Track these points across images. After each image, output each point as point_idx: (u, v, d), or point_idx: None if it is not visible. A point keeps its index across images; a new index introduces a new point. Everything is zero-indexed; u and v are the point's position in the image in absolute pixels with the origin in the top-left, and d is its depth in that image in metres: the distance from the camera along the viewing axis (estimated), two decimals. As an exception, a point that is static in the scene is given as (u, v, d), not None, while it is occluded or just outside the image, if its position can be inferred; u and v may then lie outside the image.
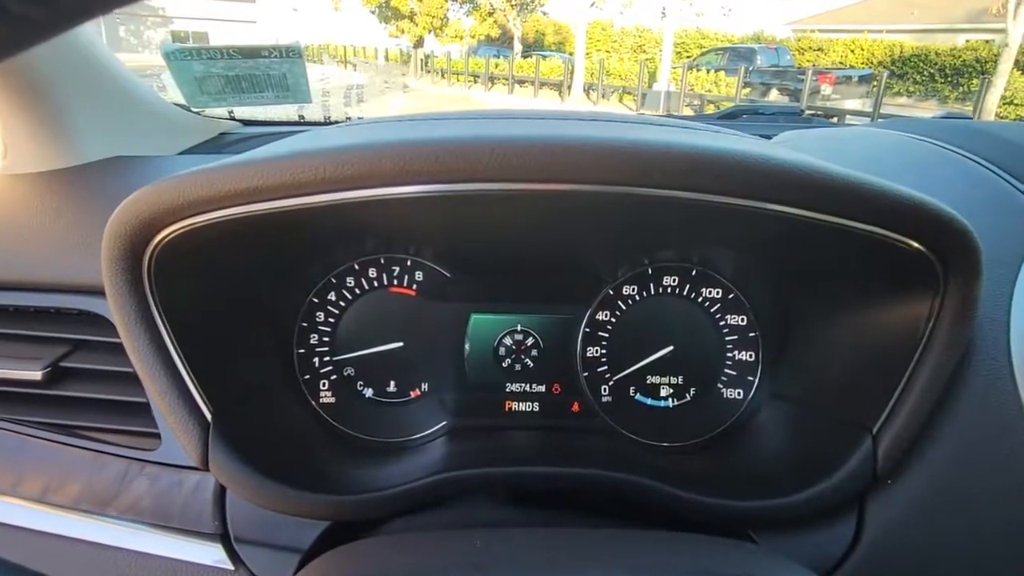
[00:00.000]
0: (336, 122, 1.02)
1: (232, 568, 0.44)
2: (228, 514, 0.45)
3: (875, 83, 10.61)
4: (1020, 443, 0.42)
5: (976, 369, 0.44)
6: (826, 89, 11.15)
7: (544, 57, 16.65)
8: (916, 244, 0.41)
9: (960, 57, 14.84)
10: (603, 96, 13.32)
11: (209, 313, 0.46)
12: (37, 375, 0.47)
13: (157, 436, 0.47)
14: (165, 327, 0.42)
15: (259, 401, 0.50)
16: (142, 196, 0.40)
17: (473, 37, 24.17)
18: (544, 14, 25.53)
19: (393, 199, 0.39)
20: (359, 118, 0.99)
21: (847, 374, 0.49)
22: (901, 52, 15.83)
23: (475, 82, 16.47)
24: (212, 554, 0.44)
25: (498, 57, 17.73)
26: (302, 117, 1.08)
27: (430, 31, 22.85)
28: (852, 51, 16.72)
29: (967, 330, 0.43)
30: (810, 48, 17.43)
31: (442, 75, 17.45)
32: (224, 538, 0.45)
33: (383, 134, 0.39)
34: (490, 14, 23.00)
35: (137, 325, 0.41)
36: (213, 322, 0.46)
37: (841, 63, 16.28)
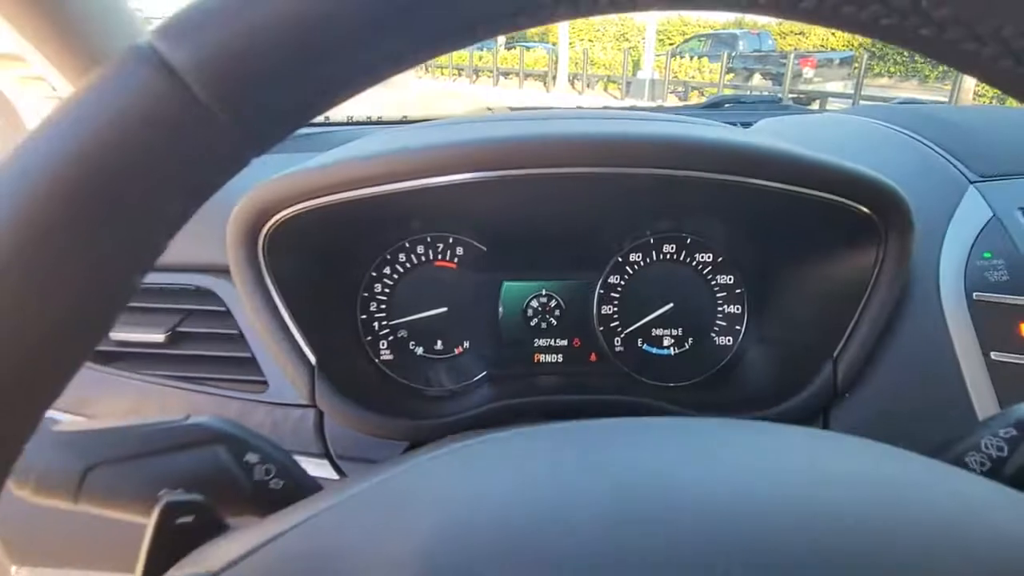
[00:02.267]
0: (340, 123, 1.12)
1: (337, 478, 0.56)
2: (327, 439, 0.57)
3: (856, 66, 10.78)
4: (947, 358, 0.55)
5: (912, 304, 0.56)
6: (808, 72, 11.32)
7: (528, 48, 16.69)
8: (863, 207, 0.53)
9: (939, 37, 15.02)
10: (588, 86, 13.41)
11: (304, 282, 0.57)
12: (160, 337, 0.58)
13: (264, 383, 0.58)
14: (276, 291, 0.53)
15: (344, 354, 0.61)
16: (260, 190, 0.51)
17: (456, 30, 24.04)
18: (526, 4, 25.45)
19: (456, 184, 0.51)
20: (367, 117, 1.10)
21: (813, 315, 0.61)
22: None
23: (460, 75, 16.50)
24: (321, 469, 0.56)
25: (481, 49, 17.77)
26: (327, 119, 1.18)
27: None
28: (833, 34, 16.91)
29: (904, 273, 0.55)
30: (791, 32, 17.60)
31: (426, 70, 17.46)
32: (328, 456, 0.57)
33: (458, 134, 0.50)
34: (472, 6, 22.89)
35: (256, 289, 0.52)
36: (307, 289, 0.57)
37: (822, 46, 16.45)
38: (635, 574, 0.19)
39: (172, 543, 0.27)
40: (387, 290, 0.70)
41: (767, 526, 0.21)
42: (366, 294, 0.69)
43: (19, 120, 0.68)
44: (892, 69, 15.71)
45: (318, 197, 0.51)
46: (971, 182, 0.62)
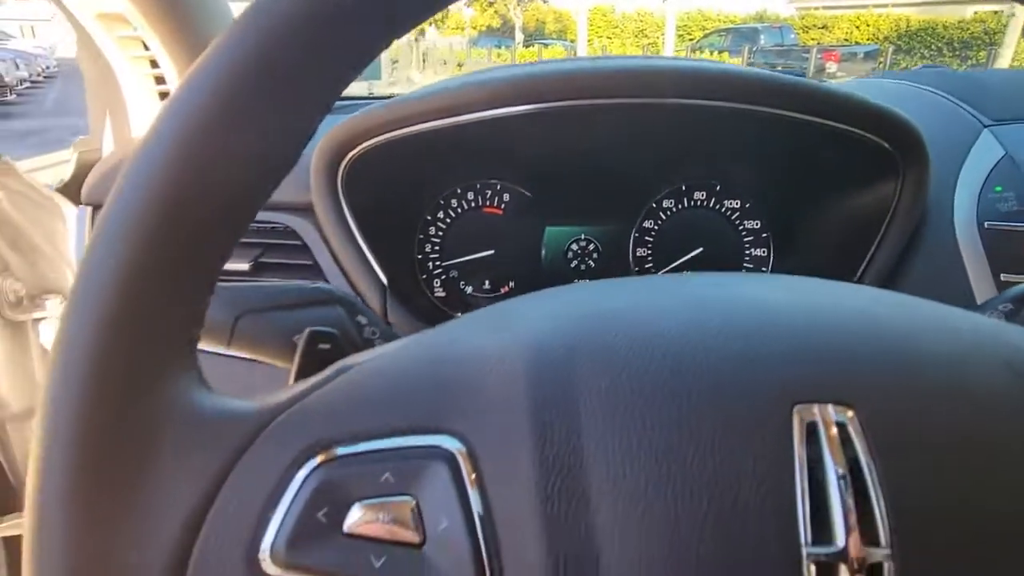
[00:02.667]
0: (383, 96, 1.19)
1: None
2: None
3: (881, 59, 10.63)
4: (960, 280, 0.60)
5: (928, 233, 0.62)
6: (831, 67, 11.20)
7: (546, 46, 16.74)
8: (883, 142, 0.58)
9: (968, 29, 14.71)
10: (608, 81, 13.37)
11: (374, 215, 0.64)
12: (246, 267, 0.66)
13: None
14: (352, 218, 0.60)
15: (405, 286, 0.68)
16: (341, 126, 0.58)
17: (474, 28, 24.27)
18: (544, 2, 25.58)
19: (514, 118, 0.57)
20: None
21: (835, 248, 0.67)
22: (908, 26, 15.73)
23: (479, 72, 16.54)
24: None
25: (499, 47, 17.84)
26: (371, 94, 1.26)
27: (431, 24, 23.02)
28: (857, 27, 16.64)
29: (920, 204, 0.60)
30: (814, 26, 17.36)
31: (444, 63, 17.59)
32: None
33: (518, 70, 0.57)
34: (490, 4, 23.08)
35: (335, 216, 0.60)
36: (377, 222, 0.64)
37: (846, 40, 16.20)
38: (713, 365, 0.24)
39: (316, 363, 0.34)
40: (440, 233, 0.77)
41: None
42: (421, 236, 0.76)
43: (114, 78, 0.76)
44: (918, 63, 15.42)
45: (388, 132, 0.58)
46: (985, 126, 0.67)
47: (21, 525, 0.96)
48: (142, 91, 0.77)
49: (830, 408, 0.23)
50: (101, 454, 0.22)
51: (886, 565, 0.21)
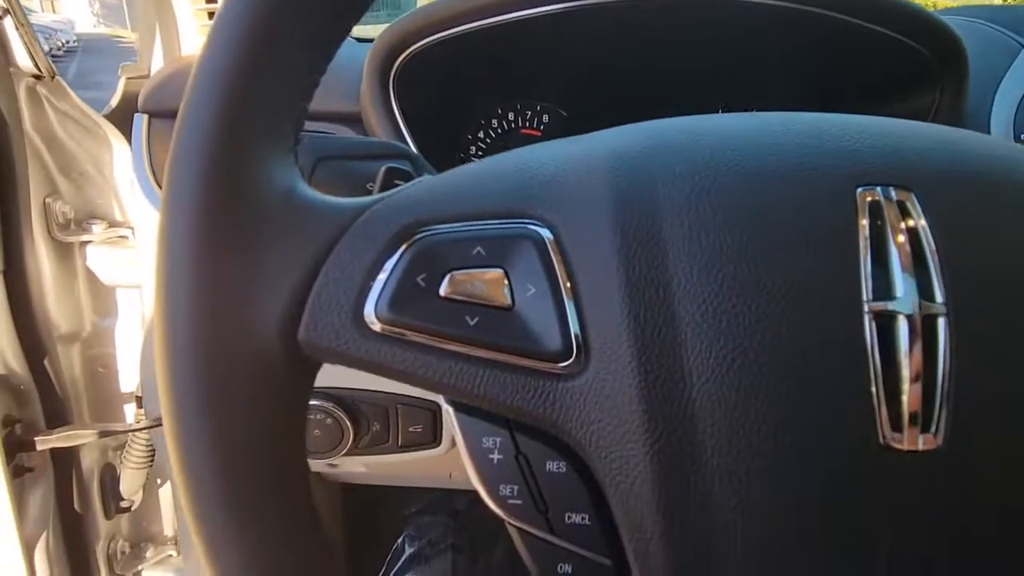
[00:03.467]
0: None
1: None
2: None
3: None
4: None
5: None
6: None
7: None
8: (924, 50, 0.60)
9: (997, 16, 14.38)
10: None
11: (422, 123, 0.66)
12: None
13: None
14: (402, 120, 0.63)
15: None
16: (394, 26, 0.60)
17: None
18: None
19: (562, 17, 0.59)
20: None
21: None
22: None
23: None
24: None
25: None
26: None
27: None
28: (883, 12, 16.32)
29: (958, 116, 0.61)
30: (839, 10, 17.03)
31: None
32: None
33: None
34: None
35: (386, 119, 0.62)
36: (424, 130, 0.66)
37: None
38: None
39: None
40: (481, 153, 0.79)
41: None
42: (463, 155, 0.78)
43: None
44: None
45: (438, 32, 0.60)
46: (1023, 46, 0.67)
47: (71, 437, 1.00)
48: (193, 10, 0.79)
49: (892, 190, 0.25)
50: (220, 222, 0.25)
51: (941, 319, 0.23)
